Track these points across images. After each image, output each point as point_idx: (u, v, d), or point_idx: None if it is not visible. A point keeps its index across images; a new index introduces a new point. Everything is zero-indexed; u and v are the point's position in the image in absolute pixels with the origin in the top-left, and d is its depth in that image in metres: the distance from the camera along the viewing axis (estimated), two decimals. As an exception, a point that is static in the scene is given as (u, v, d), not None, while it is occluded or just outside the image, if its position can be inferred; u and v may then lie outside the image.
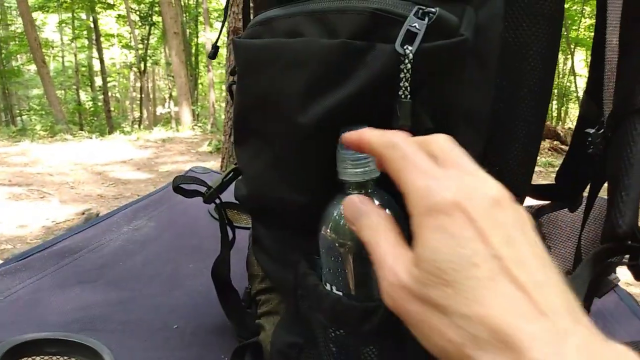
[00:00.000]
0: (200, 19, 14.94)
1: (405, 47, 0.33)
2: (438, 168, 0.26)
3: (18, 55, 17.29)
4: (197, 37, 16.66)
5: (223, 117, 3.81)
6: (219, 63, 15.89)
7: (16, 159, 5.68)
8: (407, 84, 0.34)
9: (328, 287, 0.40)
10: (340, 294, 0.38)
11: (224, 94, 16.05)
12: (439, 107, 0.38)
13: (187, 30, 15.49)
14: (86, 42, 17.04)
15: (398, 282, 0.25)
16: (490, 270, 0.23)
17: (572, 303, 0.23)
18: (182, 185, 0.62)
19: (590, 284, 0.46)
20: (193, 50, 16.49)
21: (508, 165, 0.43)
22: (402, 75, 0.34)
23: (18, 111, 17.60)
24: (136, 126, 15.07)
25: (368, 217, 0.30)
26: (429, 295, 0.24)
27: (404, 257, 0.26)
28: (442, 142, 0.28)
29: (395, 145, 0.28)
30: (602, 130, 0.49)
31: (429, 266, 0.24)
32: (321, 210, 0.42)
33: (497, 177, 0.40)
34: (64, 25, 16.74)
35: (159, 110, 18.87)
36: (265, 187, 0.45)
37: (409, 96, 0.34)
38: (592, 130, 0.51)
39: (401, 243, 0.27)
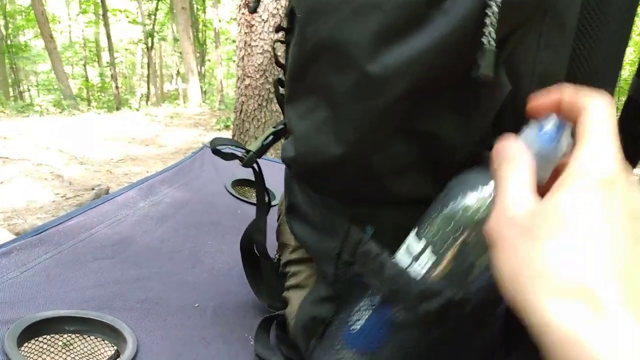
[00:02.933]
0: (208, -6, 14.78)
1: None
2: (615, 152, 0.28)
3: (25, 31, 17.21)
4: (205, 13, 16.48)
5: (231, 93, 3.78)
6: (226, 39, 15.76)
7: (24, 133, 5.67)
8: (492, 29, 0.32)
9: (406, 251, 0.38)
10: (433, 257, 0.36)
11: (231, 70, 16.02)
12: (516, 67, 0.36)
13: (195, 6, 15.31)
14: (93, 17, 16.92)
15: (509, 214, 0.28)
16: (608, 248, 0.24)
17: None
18: (220, 147, 0.59)
19: None
20: (200, 26, 16.33)
21: None
22: (488, 20, 0.31)
23: (26, 86, 17.61)
24: (143, 102, 15.05)
25: (516, 157, 0.30)
26: (534, 228, 0.26)
27: (528, 200, 0.28)
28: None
29: (591, 107, 0.29)
30: None
31: (553, 214, 0.26)
32: (376, 175, 0.39)
33: None
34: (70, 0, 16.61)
35: (167, 86, 18.84)
36: (317, 147, 0.42)
37: (493, 43, 0.32)
38: None
39: (533, 191, 0.29)
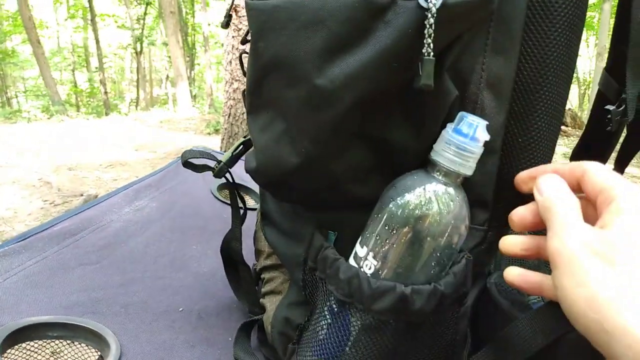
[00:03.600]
0: (197, -2, 14.73)
1: (429, 0, 0.32)
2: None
3: (12, 37, 17.04)
4: (194, 16, 16.43)
5: (221, 97, 3.77)
6: (215, 43, 15.72)
7: (11, 140, 5.62)
8: (430, 40, 0.32)
9: (354, 258, 0.40)
10: (375, 262, 0.38)
11: (221, 74, 15.98)
12: (462, 73, 0.37)
13: (184, 10, 15.27)
14: (81, 22, 16.81)
15: (579, 231, 0.30)
16: None
17: None
18: (191, 159, 0.60)
19: None
20: (189, 30, 16.28)
21: (531, 138, 0.42)
22: (425, 31, 0.32)
23: (14, 93, 17.44)
24: (133, 107, 14.97)
25: (564, 193, 0.34)
26: (608, 252, 0.28)
27: (584, 224, 0.31)
28: None
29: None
30: (623, 107, 0.49)
31: (628, 233, 0.28)
32: (337, 182, 0.41)
33: (521, 149, 0.39)
34: (58, 5, 16.49)
35: (156, 91, 18.74)
36: (276, 158, 0.43)
37: (432, 54, 0.33)
38: (612, 108, 0.50)
39: (582, 218, 0.32)
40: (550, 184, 0.35)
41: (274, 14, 0.39)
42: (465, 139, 0.35)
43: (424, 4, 0.32)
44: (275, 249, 0.56)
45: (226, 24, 0.61)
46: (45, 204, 3.31)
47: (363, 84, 0.35)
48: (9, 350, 0.56)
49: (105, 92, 13.55)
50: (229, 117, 3.24)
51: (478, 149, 0.36)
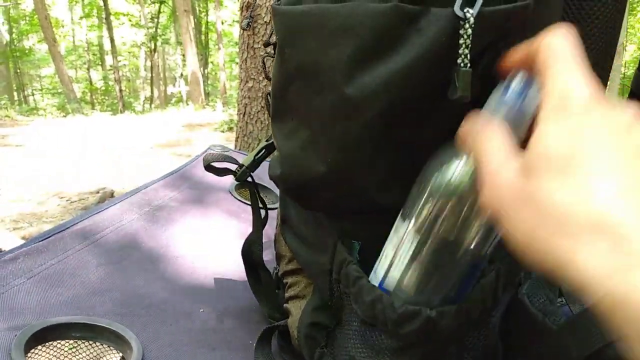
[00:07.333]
0: (211, -4, 14.79)
1: (465, 10, 0.31)
2: (583, 74, 0.26)
3: (29, 36, 17.28)
4: (207, 15, 16.51)
5: (235, 95, 3.78)
6: (229, 41, 15.77)
7: (30, 136, 5.69)
8: (467, 51, 0.31)
9: (375, 275, 0.38)
10: (397, 275, 0.36)
11: (234, 72, 16.06)
12: (493, 77, 0.36)
13: (197, 9, 15.34)
14: (96, 20, 16.98)
15: (500, 178, 0.26)
16: (610, 168, 0.23)
17: None
18: (214, 163, 0.60)
19: None
20: (203, 29, 16.36)
21: None
22: (461, 41, 0.31)
23: (30, 90, 17.68)
24: (147, 105, 15.08)
25: (484, 129, 0.30)
26: (531, 184, 0.24)
27: (511, 160, 0.27)
28: None
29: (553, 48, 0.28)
30: None
31: (542, 154, 0.25)
32: (362, 190, 0.40)
33: None
34: (74, 3, 16.67)
35: (170, 89, 18.86)
36: (302, 166, 0.42)
37: (469, 65, 0.31)
38: None
39: (514, 151, 0.27)
40: (467, 128, 0.31)
41: (302, 20, 0.38)
42: (515, 99, 0.31)
43: (460, 14, 0.31)
44: (296, 255, 0.55)
45: (247, 25, 0.60)
46: (62, 200, 3.35)
47: (393, 93, 0.34)
48: (32, 350, 0.56)
49: (120, 90, 13.67)
50: (243, 115, 3.24)
51: (531, 109, 0.30)
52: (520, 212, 0.25)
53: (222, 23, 12.66)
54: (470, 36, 0.31)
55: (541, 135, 0.25)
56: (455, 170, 0.33)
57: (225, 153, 0.61)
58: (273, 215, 0.70)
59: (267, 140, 0.62)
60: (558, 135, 0.24)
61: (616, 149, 0.23)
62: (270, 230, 0.74)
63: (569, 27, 0.28)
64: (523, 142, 0.29)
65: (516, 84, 0.30)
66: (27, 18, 15.88)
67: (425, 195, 0.35)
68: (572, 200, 0.22)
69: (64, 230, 0.82)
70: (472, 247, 0.34)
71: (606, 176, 0.22)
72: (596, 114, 0.24)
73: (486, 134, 0.29)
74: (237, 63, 3.33)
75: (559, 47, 0.28)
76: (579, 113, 0.25)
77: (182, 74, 16.94)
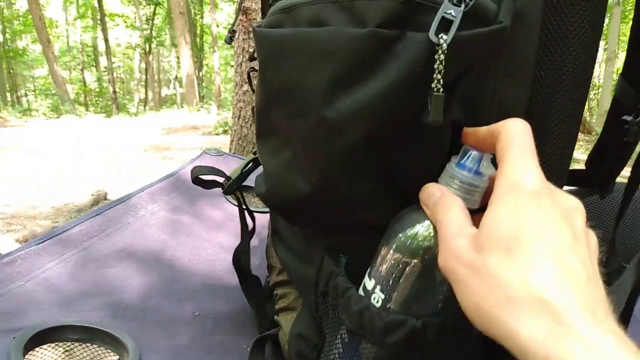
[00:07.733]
0: (206, -1, 14.79)
1: (439, 35, 0.30)
2: (535, 165, 0.29)
3: (22, 36, 17.20)
4: (202, 17, 16.50)
5: (230, 98, 3.77)
6: (224, 44, 15.74)
7: (23, 138, 5.66)
8: (440, 76, 0.31)
9: (363, 290, 0.39)
10: (382, 295, 0.37)
11: (229, 75, 16.03)
12: (473, 100, 0.36)
13: (192, 11, 15.33)
14: (91, 21, 16.93)
15: (454, 247, 0.29)
16: (550, 250, 0.25)
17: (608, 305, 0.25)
18: (201, 175, 0.61)
19: (632, 293, 0.44)
20: (198, 31, 16.35)
21: (547, 161, 0.41)
22: (435, 66, 0.31)
23: (24, 91, 17.58)
24: (141, 107, 15.04)
25: (443, 200, 0.32)
26: (480, 259, 0.27)
27: (466, 230, 0.29)
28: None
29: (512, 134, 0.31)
30: None
31: (492, 233, 0.27)
32: (347, 209, 0.40)
33: None
34: (68, 4, 16.61)
35: (164, 91, 18.82)
36: (286, 184, 0.43)
37: (441, 90, 0.31)
38: (629, 118, 0.49)
39: (467, 222, 0.30)
40: (426, 195, 0.34)
41: (282, 44, 0.39)
42: (469, 174, 0.34)
43: (434, 39, 0.30)
44: (285, 266, 0.56)
45: (229, 40, 0.61)
46: (56, 201, 3.33)
47: (371, 116, 0.35)
48: (31, 352, 0.57)
49: (114, 92, 13.63)
50: (238, 118, 3.25)
51: (483, 183, 0.34)
52: (470, 282, 0.27)
53: (218, 26, 12.65)
54: (444, 62, 0.31)
55: (493, 215, 0.28)
56: (417, 232, 0.35)
57: (213, 166, 0.62)
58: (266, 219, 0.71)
59: (254, 154, 0.62)
60: (506, 217, 0.27)
61: (558, 233, 0.26)
62: (265, 232, 0.75)
63: (524, 122, 0.31)
64: (478, 209, 0.33)
65: (469, 160, 0.34)
66: (21, 18, 15.81)
67: (389, 255, 0.36)
68: (516, 278, 0.25)
69: (61, 233, 0.82)
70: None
71: (546, 258, 0.25)
72: (541, 202, 0.27)
73: (444, 204, 0.32)
74: (232, 66, 3.34)
75: (518, 137, 0.30)
76: (526, 199, 0.27)
77: (176, 76, 16.91)
